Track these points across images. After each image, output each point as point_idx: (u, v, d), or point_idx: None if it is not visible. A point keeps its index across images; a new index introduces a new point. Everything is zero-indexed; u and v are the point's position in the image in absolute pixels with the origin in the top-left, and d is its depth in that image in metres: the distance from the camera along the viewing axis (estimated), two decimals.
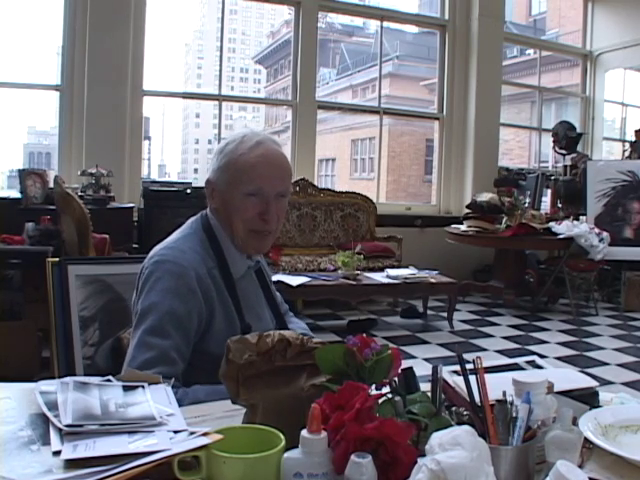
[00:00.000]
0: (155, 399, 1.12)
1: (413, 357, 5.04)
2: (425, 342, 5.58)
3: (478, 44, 8.38)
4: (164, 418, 1.04)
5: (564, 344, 5.62)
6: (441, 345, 5.44)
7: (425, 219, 8.20)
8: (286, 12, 9.53)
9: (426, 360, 4.95)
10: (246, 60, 42.10)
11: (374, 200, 7.75)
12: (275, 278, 5.45)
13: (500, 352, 5.24)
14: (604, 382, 4.48)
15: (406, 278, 6.00)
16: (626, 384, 4.53)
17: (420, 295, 6.51)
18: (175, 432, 0.99)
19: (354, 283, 5.76)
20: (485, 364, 1.09)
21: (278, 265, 6.18)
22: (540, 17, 17.05)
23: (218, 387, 1.40)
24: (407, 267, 6.38)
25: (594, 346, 5.60)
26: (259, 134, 1.79)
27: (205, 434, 0.95)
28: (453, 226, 7.37)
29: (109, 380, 1.19)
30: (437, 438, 0.87)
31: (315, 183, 7.52)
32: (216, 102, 7.70)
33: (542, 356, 4.98)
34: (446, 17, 8.54)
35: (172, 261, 1.67)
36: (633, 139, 8.47)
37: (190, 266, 1.66)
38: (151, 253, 1.74)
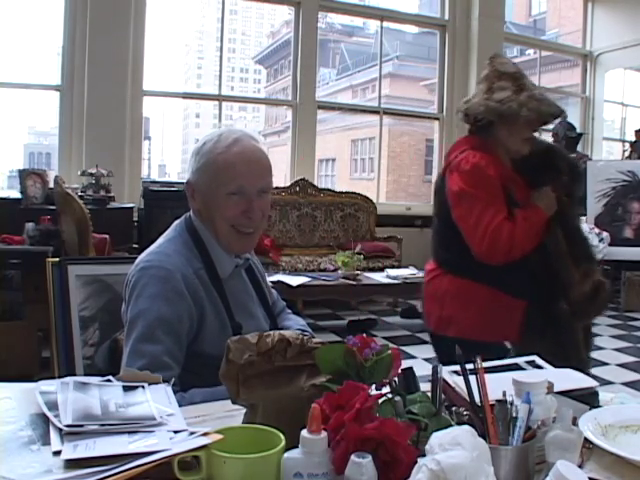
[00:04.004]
0: (155, 399, 1.12)
1: (413, 357, 5.04)
2: (425, 342, 5.55)
3: (478, 44, 8.38)
4: (164, 418, 1.04)
5: None
6: None
7: (425, 219, 8.16)
8: (286, 12, 9.51)
9: (426, 360, 4.95)
10: (246, 60, 42.12)
11: (374, 200, 7.76)
12: (275, 278, 5.46)
13: None
14: (604, 382, 4.48)
15: (406, 278, 5.99)
16: (626, 384, 4.53)
17: (420, 295, 6.49)
18: (175, 432, 0.99)
19: (354, 283, 5.75)
20: (485, 364, 1.09)
21: (278, 265, 6.18)
22: (540, 17, 17.07)
23: (216, 390, 1.39)
24: (407, 267, 6.37)
25: (594, 346, 5.57)
26: (236, 131, 1.76)
27: (205, 434, 0.95)
28: None
29: (109, 380, 1.19)
30: (437, 438, 0.87)
31: (315, 183, 7.52)
32: (216, 102, 7.71)
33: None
34: (446, 17, 8.55)
35: (157, 266, 1.66)
36: (633, 139, 8.47)
37: (176, 269, 1.65)
38: (137, 260, 1.72)
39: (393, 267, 6.41)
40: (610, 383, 4.51)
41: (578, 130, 8.72)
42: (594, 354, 5.26)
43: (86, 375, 1.70)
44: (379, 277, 6.01)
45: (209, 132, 1.81)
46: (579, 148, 8.69)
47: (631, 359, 5.21)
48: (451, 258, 2.51)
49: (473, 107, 2.44)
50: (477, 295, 2.40)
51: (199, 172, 1.73)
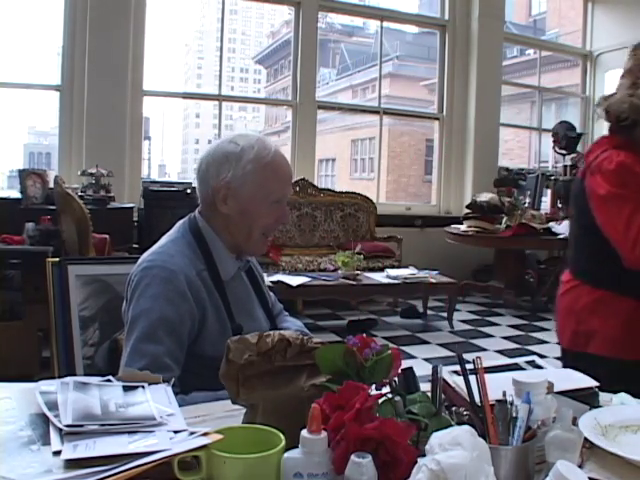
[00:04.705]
0: (155, 399, 1.12)
1: (413, 357, 5.04)
2: (425, 342, 5.58)
3: (478, 44, 8.38)
4: (164, 418, 1.04)
5: None
6: (441, 345, 5.44)
7: (425, 219, 8.20)
8: (286, 12, 9.52)
9: (426, 360, 4.95)
10: (246, 60, 42.11)
11: (374, 200, 7.76)
12: (275, 278, 5.47)
13: (500, 352, 5.25)
14: None
15: (406, 278, 6.00)
16: None
17: (420, 295, 6.51)
18: (175, 432, 0.99)
19: (354, 283, 5.75)
20: (485, 364, 1.09)
21: (278, 265, 6.18)
22: (540, 17, 17.06)
23: (217, 394, 1.38)
24: (407, 267, 6.38)
25: None
26: (268, 139, 1.81)
27: (205, 434, 0.95)
28: (453, 226, 7.37)
29: (109, 380, 1.19)
30: (437, 438, 0.87)
31: (315, 183, 7.52)
32: (216, 102, 7.71)
33: (542, 356, 4.97)
34: (446, 17, 8.55)
35: (160, 266, 1.66)
36: None
37: (179, 270, 1.65)
38: (139, 260, 1.73)
39: (393, 267, 6.41)
40: None
41: (578, 130, 8.72)
42: None
43: (86, 375, 1.70)
44: (379, 277, 6.01)
45: (234, 135, 1.80)
46: (579, 148, 8.69)
47: None
48: (591, 267, 2.29)
49: (615, 104, 2.22)
50: (620, 308, 2.17)
51: (244, 178, 1.72)
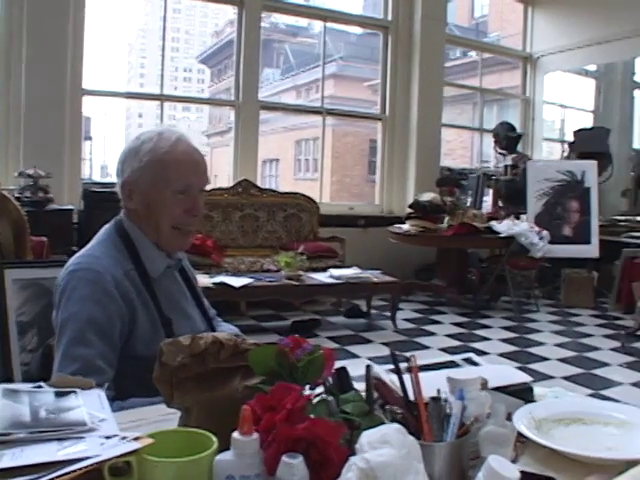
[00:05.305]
0: (88, 404, 1.10)
1: (357, 356, 5.06)
2: (369, 341, 5.61)
3: (421, 45, 8.47)
4: (95, 424, 1.02)
5: (506, 340, 5.71)
6: (385, 344, 5.47)
7: (368, 219, 8.24)
8: (230, 12, 9.45)
9: (370, 359, 4.97)
10: (190, 60, 41.77)
11: (317, 200, 7.77)
12: (218, 279, 5.43)
13: (444, 350, 5.30)
14: (544, 377, 4.58)
15: (349, 278, 6.02)
16: (566, 378, 4.64)
17: (364, 295, 6.54)
18: (107, 437, 0.98)
19: (297, 284, 5.75)
20: (422, 362, 1.10)
21: (221, 266, 6.14)
22: (482, 20, 17.31)
23: (154, 400, 1.36)
24: (350, 267, 6.40)
25: (535, 342, 5.70)
26: (175, 130, 1.78)
27: (136, 439, 0.94)
28: (396, 226, 7.42)
29: (40, 386, 1.16)
30: (366, 437, 0.87)
31: (258, 184, 7.49)
32: (158, 102, 7.61)
33: (484, 353, 5.05)
34: (389, 18, 8.61)
35: (86, 268, 1.65)
36: (572, 140, 8.66)
37: (105, 270, 1.64)
38: (66, 264, 1.70)
39: (336, 267, 6.42)
40: (550, 377, 4.60)
41: (519, 131, 8.88)
42: (535, 349, 5.39)
43: (24, 381, 1.67)
44: (322, 277, 6.02)
45: (142, 131, 1.80)
46: (520, 148, 8.85)
47: (570, 354, 5.33)
48: None
49: None
50: None
51: (141, 171, 1.72)
